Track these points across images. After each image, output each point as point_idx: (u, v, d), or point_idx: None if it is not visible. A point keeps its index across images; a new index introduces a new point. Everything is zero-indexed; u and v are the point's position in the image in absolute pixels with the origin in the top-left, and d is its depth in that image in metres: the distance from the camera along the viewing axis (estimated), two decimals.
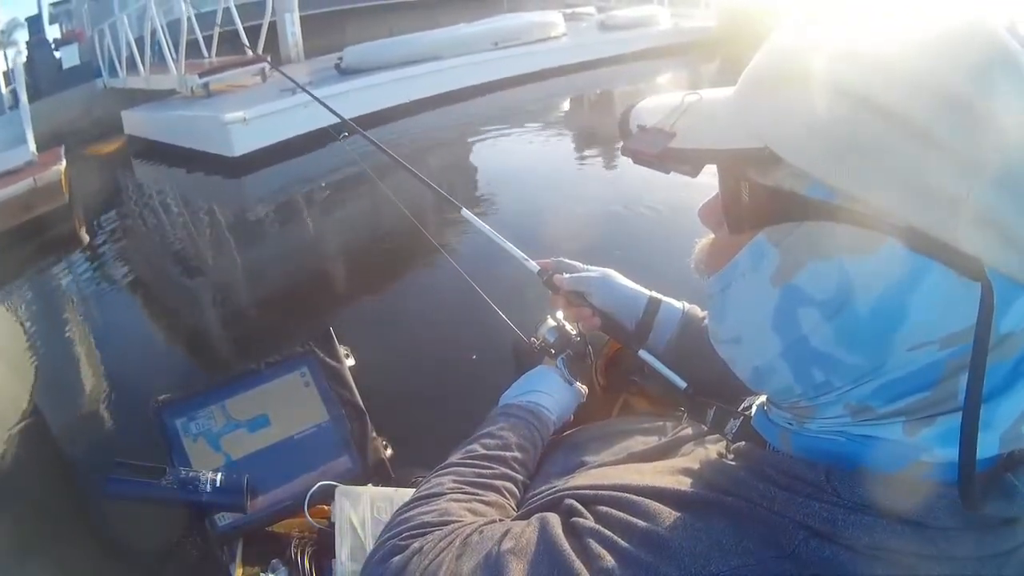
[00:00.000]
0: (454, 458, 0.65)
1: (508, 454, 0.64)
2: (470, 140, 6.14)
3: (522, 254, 0.85)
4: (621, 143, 0.43)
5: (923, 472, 0.35)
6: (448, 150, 6.02)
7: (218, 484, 0.90)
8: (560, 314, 0.81)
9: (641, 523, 0.40)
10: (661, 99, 0.43)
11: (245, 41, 7.64)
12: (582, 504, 0.45)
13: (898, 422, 0.36)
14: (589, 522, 0.42)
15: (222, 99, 6.75)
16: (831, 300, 0.34)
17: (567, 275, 0.78)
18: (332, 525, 0.92)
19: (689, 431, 0.58)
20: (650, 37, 9.42)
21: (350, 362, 1.12)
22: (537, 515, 0.46)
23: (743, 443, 0.46)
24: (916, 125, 0.30)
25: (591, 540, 0.40)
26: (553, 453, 0.67)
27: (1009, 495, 0.36)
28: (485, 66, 7.84)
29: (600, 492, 0.45)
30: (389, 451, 1.09)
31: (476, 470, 0.62)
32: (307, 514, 0.95)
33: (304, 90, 1.63)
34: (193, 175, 6.16)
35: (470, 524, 0.52)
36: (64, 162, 5.62)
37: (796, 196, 0.35)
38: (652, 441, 0.59)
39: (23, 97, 6.51)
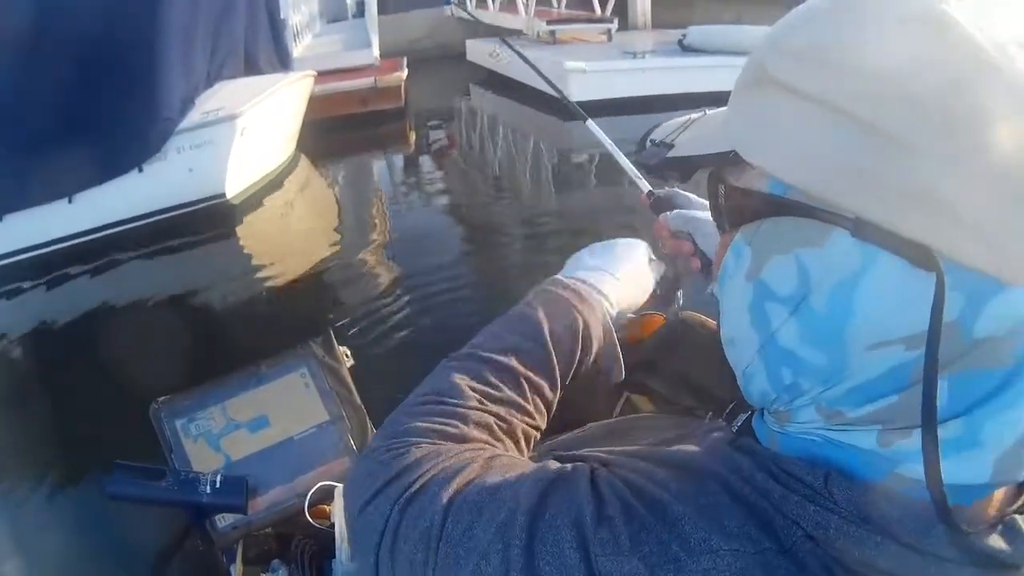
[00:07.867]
0: (481, 348, 0.58)
1: (548, 365, 0.58)
2: None
3: (635, 171, 0.77)
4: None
5: (909, 487, 0.34)
6: None
7: (218, 485, 0.91)
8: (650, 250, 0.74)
9: (649, 487, 0.40)
10: (677, 119, 0.48)
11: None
12: (601, 465, 0.45)
13: (873, 431, 0.35)
14: (604, 472, 0.43)
15: (566, 48, 7.26)
16: (792, 295, 0.35)
17: (675, 211, 0.70)
18: (332, 526, 0.92)
19: (698, 426, 0.57)
20: None
21: (350, 363, 1.13)
22: (572, 463, 0.46)
23: (745, 438, 0.45)
24: (851, 112, 0.31)
25: (604, 487, 0.40)
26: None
27: (1010, 539, 0.34)
28: None
29: (613, 456, 0.46)
30: None
31: (500, 373, 0.56)
32: (307, 514, 0.95)
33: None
34: (526, 109, 6.60)
35: (500, 451, 0.50)
36: (406, 71, 6.37)
37: (760, 194, 0.37)
38: (659, 436, 0.57)
39: (373, 6, 7.14)
